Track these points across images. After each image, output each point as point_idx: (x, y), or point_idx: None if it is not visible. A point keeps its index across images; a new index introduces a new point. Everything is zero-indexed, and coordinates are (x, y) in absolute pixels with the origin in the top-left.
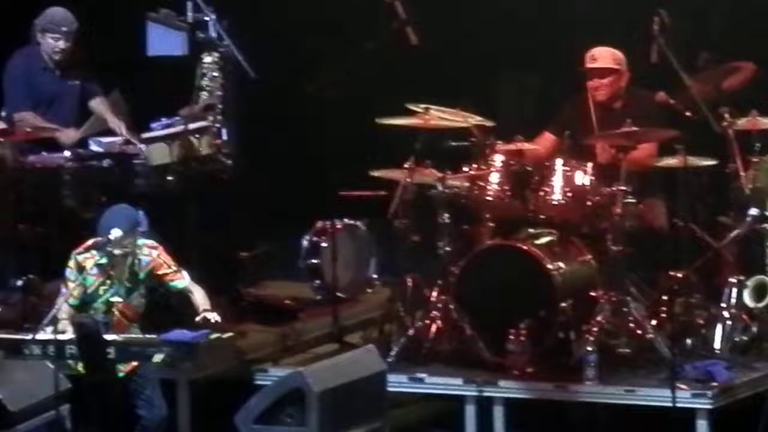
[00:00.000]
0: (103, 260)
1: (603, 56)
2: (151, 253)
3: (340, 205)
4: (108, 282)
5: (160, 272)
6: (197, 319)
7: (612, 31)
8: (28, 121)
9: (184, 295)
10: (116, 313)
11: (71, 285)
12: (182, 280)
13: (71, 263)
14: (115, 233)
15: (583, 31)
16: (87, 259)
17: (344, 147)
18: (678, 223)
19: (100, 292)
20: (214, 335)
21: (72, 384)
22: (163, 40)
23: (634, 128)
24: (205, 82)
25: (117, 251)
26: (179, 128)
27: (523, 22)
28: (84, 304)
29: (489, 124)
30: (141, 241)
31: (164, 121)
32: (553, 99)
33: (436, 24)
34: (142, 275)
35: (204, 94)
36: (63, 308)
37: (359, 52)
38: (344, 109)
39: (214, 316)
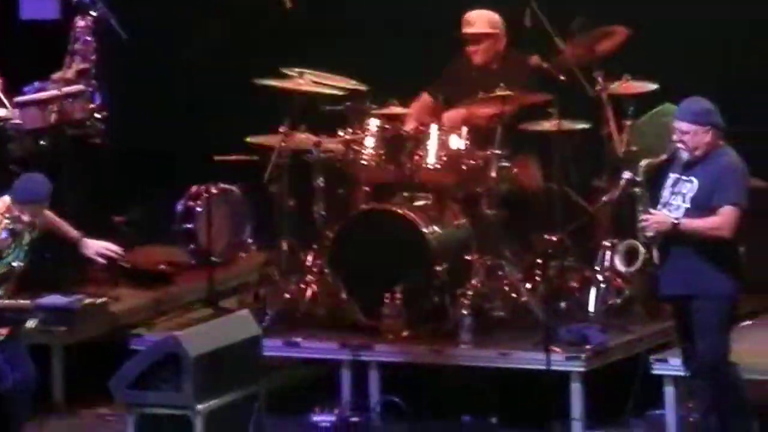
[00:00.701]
0: (13, 225)
1: (479, 20)
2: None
3: (215, 169)
4: (12, 245)
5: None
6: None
7: None
8: None
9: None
10: (11, 277)
11: None
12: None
13: None
14: (33, 202)
15: None
16: None
17: (219, 111)
18: (552, 186)
19: (3, 255)
20: (88, 300)
21: None
22: (36, 4)
23: (508, 91)
24: (78, 46)
25: (26, 218)
26: (52, 92)
27: None
28: None
29: (364, 88)
30: None
31: (37, 85)
32: (433, 62)
33: None
34: (35, 234)
35: (77, 59)
36: None
37: (233, 15)
38: (219, 73)
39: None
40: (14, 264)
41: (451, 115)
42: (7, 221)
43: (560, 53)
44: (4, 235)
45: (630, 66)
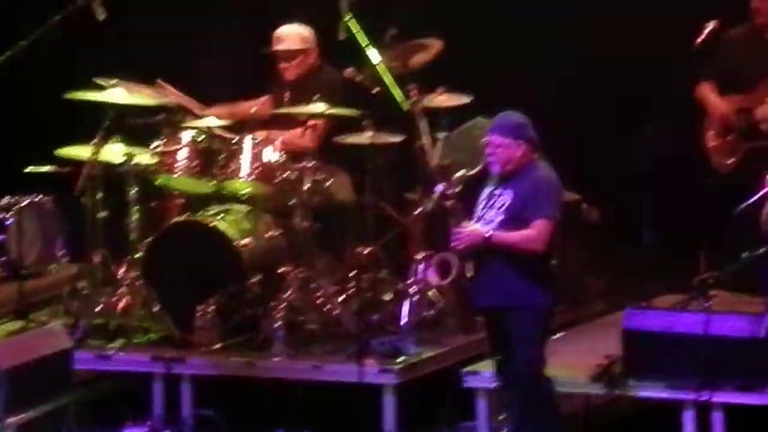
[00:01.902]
0: None
1: (288, 37)
2: None
3: (27, 181)
4: None
5: None
6: None
7: (301, 6)
8: None
9: None
10: None
11: None
12: None
13: None
14: None
15: (276, 6)
16: None
17: (30, 122)
18: (365, 199)
19: None
20: None
21: None
22: None
23: (321, 105)
24: None
25: None
26: None
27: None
28: None
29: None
30: None
31: None
32: (248, 75)
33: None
34: None
35: None
36: None
37: (45, 26)
38: (30, 83)
39: None
40: None
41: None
42: None
43: (374, 66)
44: None
45: (444, 79)
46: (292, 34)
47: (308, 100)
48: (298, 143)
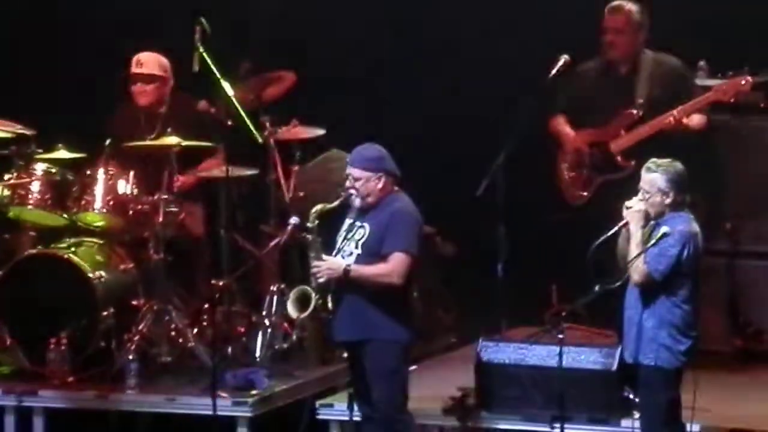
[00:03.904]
0: None
1: (149, 62)
2: None
3: None
4: None
5: None
6: None
7: (158, 36)
8: None
9: None
10: None
11: None
12: None
13: None
14: None
15: (129, 35)
16: None
17: None
18: (219, 231)
19: None
20: None
21: None
22: None
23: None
24: None
25: None
26: None
27: (75, 26)
28: None
29: (28, 132)
30: None
31: None
32: (100, 106)
33: None
34: None
35: None
36: None
37: None
38: None
39: None
40: None
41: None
42: None
43: (227, 98)
44: None
45: (298, 111)
46: (153, 60)
47: (162, 130)
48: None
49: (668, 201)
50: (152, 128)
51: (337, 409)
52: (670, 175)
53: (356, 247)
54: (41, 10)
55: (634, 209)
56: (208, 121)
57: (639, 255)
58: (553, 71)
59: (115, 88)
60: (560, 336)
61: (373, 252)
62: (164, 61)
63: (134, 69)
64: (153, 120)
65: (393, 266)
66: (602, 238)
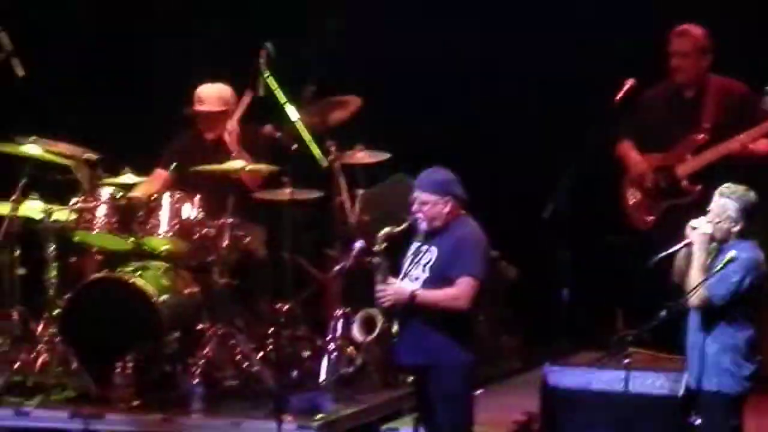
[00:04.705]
0: None
1: (209, 99)
2: None
3: None
4: None
5: None
6: None
7: (224, 64)
8: None
9: None
10: None
11: None
12: None
13: None
14: None
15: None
16: None
17: None
18: (284, 255)
19: None
20: None
21: None
22: None
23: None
24: None
25: None
26: None
27: (138, 52)
28: None
29: (95, 157)
30: None
31: None
32: (165, 131)
33: (43, 56)
34: None
35: None
36: None
37: None
38: None
39: None
40: None
41: None
42: None
43: (292, 123)
44: None
45: (362, 136)
46: (213, 96)
47: (227, 158)
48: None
49: (736, 229)
50: (218, 154)
51: None
52: (743, 203)
53: (423, 271)
54: (114, 36)
55: (700, 231)
56: (272, 149)
57: (705, 280)
58: (620, 95)
59: (181, 114)
60: (626, 361)
61: (440, 276)
62: (225, 93)
63: (196, 106)
64: (219, 150)
65: (461, 290)
66: (664, 254)
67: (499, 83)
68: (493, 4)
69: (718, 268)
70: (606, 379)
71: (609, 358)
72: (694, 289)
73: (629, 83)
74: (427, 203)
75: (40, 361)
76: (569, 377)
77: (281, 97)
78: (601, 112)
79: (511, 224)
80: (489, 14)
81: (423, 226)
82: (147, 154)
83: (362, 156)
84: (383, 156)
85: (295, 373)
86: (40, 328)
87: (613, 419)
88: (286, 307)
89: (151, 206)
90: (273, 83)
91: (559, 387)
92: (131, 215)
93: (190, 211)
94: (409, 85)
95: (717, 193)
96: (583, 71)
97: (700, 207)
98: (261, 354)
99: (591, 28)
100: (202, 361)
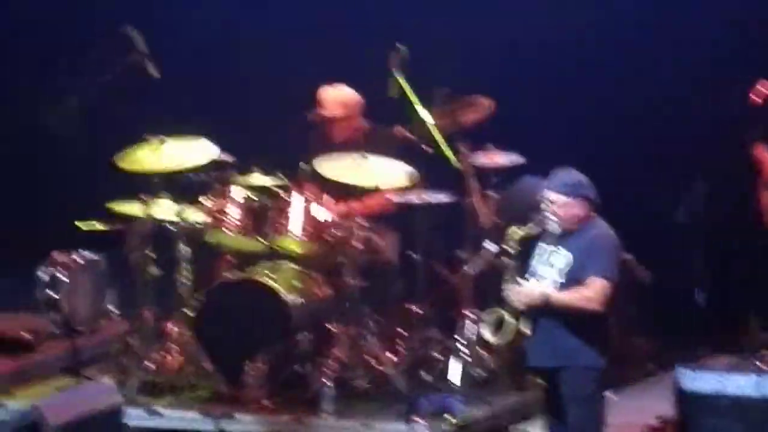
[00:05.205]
0: None
1: (330, 103)
2: None
3: (78, 237)
4: None
5: None
6: None
7: (351, 64)
8: None
9: None
10: None
11: None
12: None
13: None
14: None
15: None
16: None
17: (83, 178)
18: (415, 256)
19: None
20: None
21: None
22: None
23: None
24: None
25: None
26: None
27: (267, 52)
28: None
29: (227, 157)
30: None
31: None
32: (297, 132)
33: (175, 56)
34: None
35: None
36: None
37: (96, 84)
38: (83, 141)
39: None
40: None
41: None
42: None
43: (424, 124)
44: None
45: (494, 137)
46: (334, 101)
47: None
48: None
49: None
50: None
51: None
52: None
53: (554, 272)
54: (244, 38)
55: None
56: (402, 151)
57: None
58: (756, 97)
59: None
60: (761, 365)
61: (572, 278)
62: (345, 97)
63: (318, 109)
64: (350, 149)
65: (593, 292)
66: None
67: (629, 84)
68: (625, 2)
69: None
70: (740, 384)
71: (743, 362)
72: None
73: (766, 85)
74: (558, 204)
75: (171, 360)
76: (703, 381)
77: (413, 98)
78: (737, 114)
79: (643, 226)
80: (619, 13)
81: (554, 227)
82: (277, 155)
83: (494, 157)
84: (515, 157)
85: (426, 375)
86: (172, 329)
87: (747, 424)
88: (418, 308)
89: (282, 207)
90: (405, 84)
91: (692, 391)
92: (263, 215)
93: (321, 212)
94: (541, 86)
95: None
96: (717, 72)
97: None
98: (392, 355)
99: (725, 27)
100: (333, 361)
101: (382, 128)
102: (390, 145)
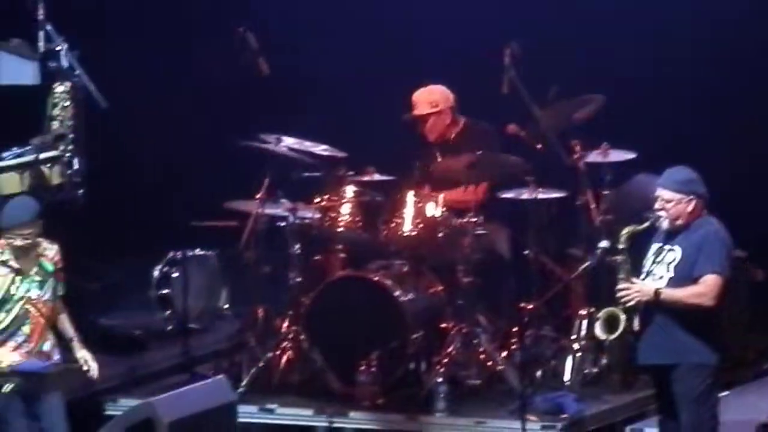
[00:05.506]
0: (5, 256)
1: (420, 103)
2: (53, 246)
3: (191, 235)
4: (18, 278)
5: (60, 267)
6: (78, 355)
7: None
8: None
9: None
10: (32, 311)
11: None
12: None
13: None
14: (20, 225)
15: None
16: None
17: (197, 176)
18: (528, 254)
19: (12, 291)
20: (64, 365)
21: None
22: (15, 69)
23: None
24: (56, 112)
25: (19, 242)
26: (30, 157)
27: (374, 53)
28: None
29: (340, 155)
30: None
31: (15, 150)
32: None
33: (287, 54)
34: (50, 267)
35: (55, 124)
36: None
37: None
38: (196, 138)
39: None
40: (28, 295)
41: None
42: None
43: (537, 121)
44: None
45: (607, 134)
46: (424, 100)
47: (457, 155)
48: (462, 198)
49: None
50: (443, 154)
51: None
52: None
53: (667, 270)
54: (356, 37)
55: None
56: (505, 147)
57: None
58: None
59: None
60: None
61: (684, 275)
62: (435, 95)
63: (413, 111)
64: (445, 148)
65: (706, 288)
66: None
67: (745, 83)
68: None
69: None
70: None
71: None
72: None
73: None
74: (670, 201)
75: (284, 358)
76: None
77: (526, 95)
78: None
79: (757, 224)
80: (735, 9)
81: (666, 224)
82: (390, 153)
83: (607, 155)
84: (628, 155)
85: (539, 373)
86: (284, 326)
87: None
88: (531, 306)
89: (395, 204)
90: (518, 81)
91: None
92: (375, 213)
93: (434, 209)
94: (654, 83)
95: None
96: None
97: None
98: (505, 353)
99: None
100: (446, 359)
101: (478, 123)
102: (487, 140)
